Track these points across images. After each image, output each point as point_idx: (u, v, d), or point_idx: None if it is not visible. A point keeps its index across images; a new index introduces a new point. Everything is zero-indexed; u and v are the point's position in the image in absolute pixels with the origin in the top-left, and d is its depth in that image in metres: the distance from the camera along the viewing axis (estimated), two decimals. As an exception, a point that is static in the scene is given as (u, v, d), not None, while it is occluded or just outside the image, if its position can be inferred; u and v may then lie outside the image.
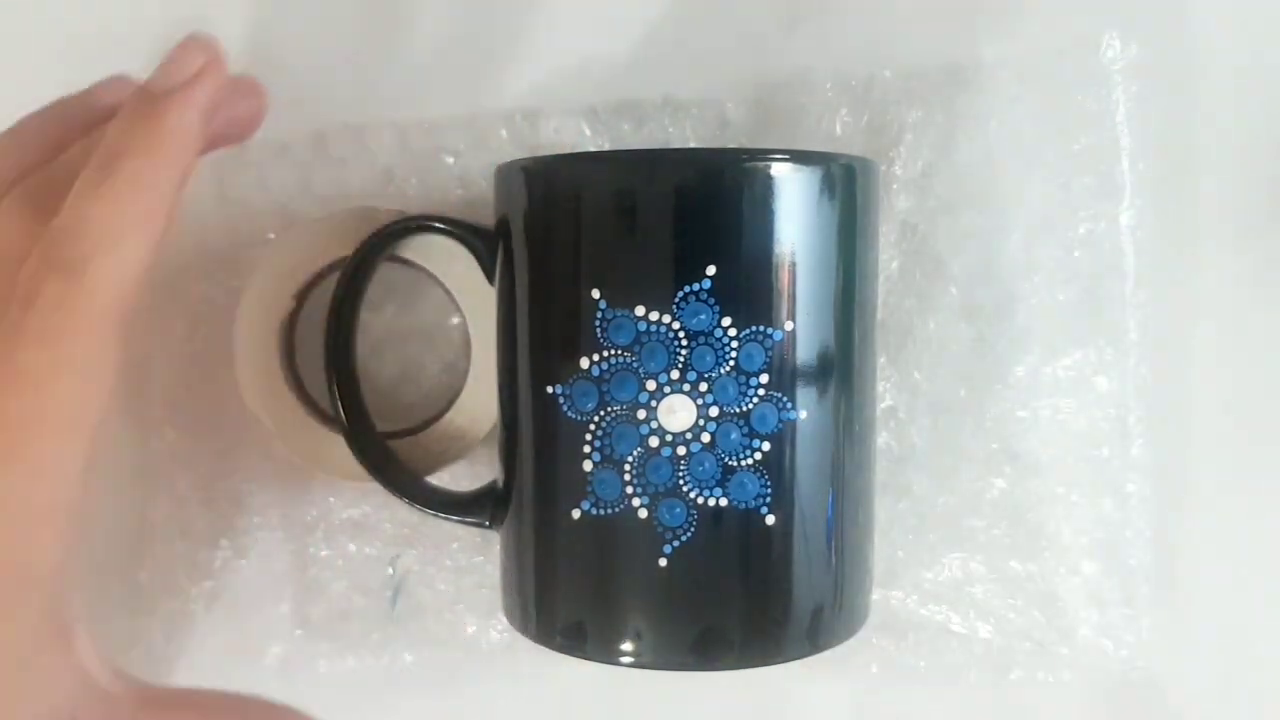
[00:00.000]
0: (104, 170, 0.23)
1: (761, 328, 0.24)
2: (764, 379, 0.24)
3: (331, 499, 0.34)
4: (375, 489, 0.30)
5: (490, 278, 0.28)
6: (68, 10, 0.34)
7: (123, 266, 0.23)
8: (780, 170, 0.24)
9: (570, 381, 0.25)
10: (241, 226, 0.33)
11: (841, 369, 0.25)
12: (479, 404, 0.31)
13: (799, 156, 0.25)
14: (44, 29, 0.34)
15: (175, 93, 0.24)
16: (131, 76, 0.29)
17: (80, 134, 0.26)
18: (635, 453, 0.24)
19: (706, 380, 0.24)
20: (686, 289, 0.24)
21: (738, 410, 0.24)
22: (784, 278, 0.24)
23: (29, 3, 0.34)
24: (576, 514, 0.25)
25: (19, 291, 0.22)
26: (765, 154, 0.24)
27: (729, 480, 0.24)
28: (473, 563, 0.35)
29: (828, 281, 0.25)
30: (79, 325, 0.22)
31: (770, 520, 0.25)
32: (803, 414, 0.24)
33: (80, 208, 0.23)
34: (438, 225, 0.28)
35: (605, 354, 0.24)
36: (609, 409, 0.24)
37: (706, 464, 0.24)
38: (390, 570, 0.35)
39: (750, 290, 0.24)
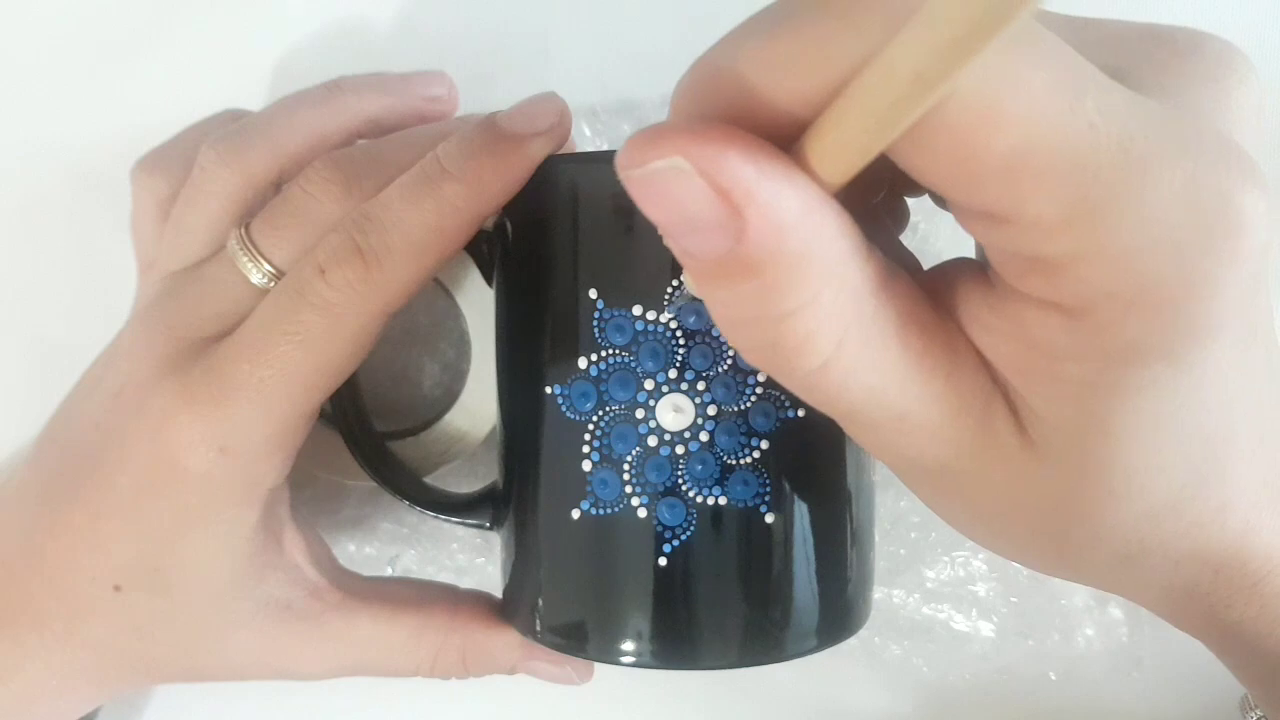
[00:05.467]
0: (429, 184, 0.24)
1: (759, 326, 0.24)
2: (761, 377, 0.24)
3: (332, 499, 0.34)
4: (375, 489, 0.30)
5: (490, 278, 0.28)
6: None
7: (412, 274, 0.24)
8: (778, 169, 0.24)
9: (569, 382, 0.25)
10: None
11: (840, 368, 0.25)
12: (479, 404, 0.31)
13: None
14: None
15: (522, 139, 0.24)
16: (445, 72, 0.31)
17: (391, 114, 0.29)
18: (634, 452, 0.24)
19: (704, 379, 0.24)
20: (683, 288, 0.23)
21: (736, 409, 0.24)
22: (782, 276, 0.24)
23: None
24: (576, 514, 0.25)
25: (318, 256, 0.24)
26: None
27: (728, 479, 0.24)
28: (473, 563, 0.35)
29: (826, 280, 0.25)
30: (358, 307, 0.24)
31: (770, 519, 0.24)
32: (802, 411, 0.24)
33: (397, 208, 0.24)
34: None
35: (603, 354, 0.24)
36: (607, 409, 0.24)
37: (705, 463, 0.24)
38: (390, 570, 0.35)
39: (747, 289, 0.24)
